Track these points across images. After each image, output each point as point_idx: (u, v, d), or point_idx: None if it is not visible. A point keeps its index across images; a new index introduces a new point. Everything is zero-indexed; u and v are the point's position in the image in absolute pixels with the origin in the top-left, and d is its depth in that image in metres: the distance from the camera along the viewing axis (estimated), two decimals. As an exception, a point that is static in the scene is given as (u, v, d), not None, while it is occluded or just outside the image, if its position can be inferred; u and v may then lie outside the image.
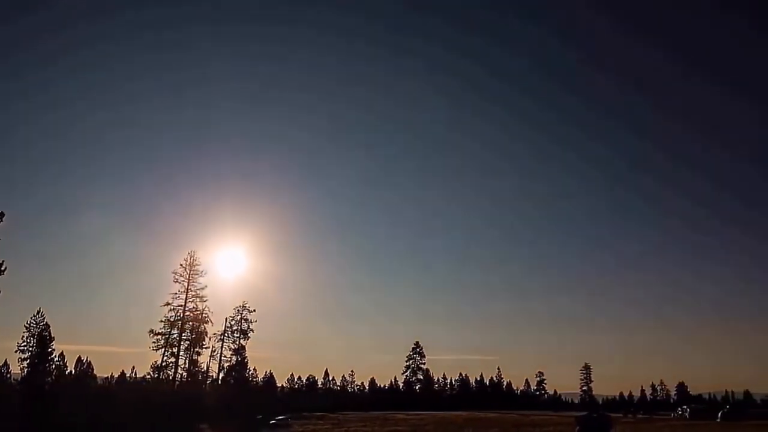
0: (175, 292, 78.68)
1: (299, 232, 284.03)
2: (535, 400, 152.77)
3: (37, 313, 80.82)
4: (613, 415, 66.91)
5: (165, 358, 76.91)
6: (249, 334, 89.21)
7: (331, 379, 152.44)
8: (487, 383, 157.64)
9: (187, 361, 79.72)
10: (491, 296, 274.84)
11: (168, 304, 78.19)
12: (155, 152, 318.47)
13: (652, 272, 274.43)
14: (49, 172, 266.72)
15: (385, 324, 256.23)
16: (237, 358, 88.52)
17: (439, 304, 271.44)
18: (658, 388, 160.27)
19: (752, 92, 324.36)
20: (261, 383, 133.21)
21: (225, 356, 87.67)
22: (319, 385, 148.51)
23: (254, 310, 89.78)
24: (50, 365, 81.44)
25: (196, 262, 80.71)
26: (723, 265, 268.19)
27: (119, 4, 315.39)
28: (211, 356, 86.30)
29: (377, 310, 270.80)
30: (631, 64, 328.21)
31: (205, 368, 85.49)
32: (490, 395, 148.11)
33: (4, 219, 46.50)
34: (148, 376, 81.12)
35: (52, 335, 79.70)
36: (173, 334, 77.59)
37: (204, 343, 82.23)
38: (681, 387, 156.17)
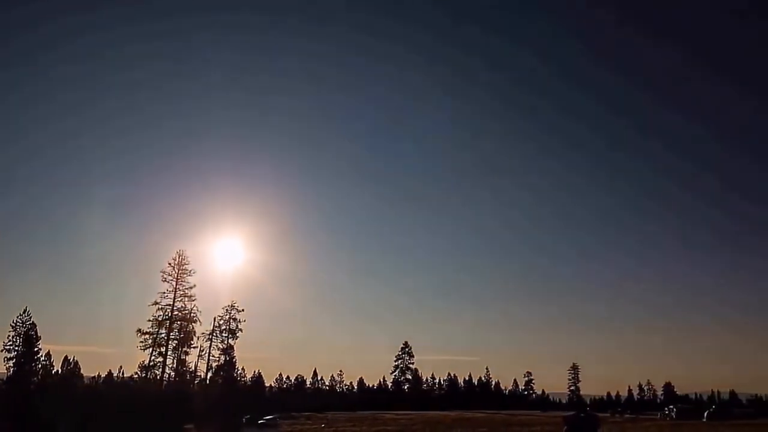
0: (163, 291, 78.23)
1: (289, 231, 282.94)
2: (523, 400, 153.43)
3: (24, 312, 79.98)
4: (600, 414, 67.26)
5: (153, 357, 76.40)
6: (237, 334, 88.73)
7: (319, 379, 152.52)
8: (476, 383, 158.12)
9: (175, 360, 79.17)
10: (480, 297, 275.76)
11: (156, 303, 77.70)
12: (145, 149, 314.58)
13: (639, 275, 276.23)
14: (35, 171, 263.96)
15: (374, 324, 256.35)
16: (225, 358, 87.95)
17: (429, 304, 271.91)
18: (645, 389, 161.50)
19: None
20: (249, 383, 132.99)
21: (213, 356, 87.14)
22: (308, 385, 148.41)
23: (243, 310, 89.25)
24: (36, 365, 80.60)
25: (185, 261, 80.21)
26: (709, 268, 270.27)
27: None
28: (199, 356, 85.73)
29: (366, 310, 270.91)
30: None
31: (193, 368, 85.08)
32: (478, 395, 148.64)
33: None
34: (136, 376, 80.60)
35: (39, 334, 79.00)
36: (161, 333, 77.03)
37: (192, 342, 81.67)
38: (668, 387, 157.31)
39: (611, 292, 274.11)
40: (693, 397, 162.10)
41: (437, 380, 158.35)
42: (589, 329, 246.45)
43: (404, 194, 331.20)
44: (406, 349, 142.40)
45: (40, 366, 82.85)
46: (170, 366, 78.58)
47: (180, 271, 79.34)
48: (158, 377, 76.95)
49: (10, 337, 78.73)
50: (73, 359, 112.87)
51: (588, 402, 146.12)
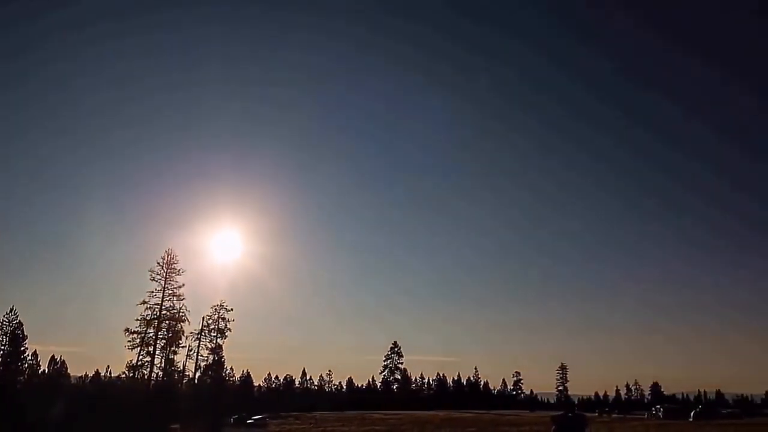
0: (151, 290, 77.87)
1: (284, 230, 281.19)
2: (512, 400, 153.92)
3: (10, 311, 79.46)
4: (588, 414, 67.51)
5: (140, 357, 76.03)
6: (226, 334, 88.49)
7: (308, 378, 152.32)
8: (465, 383, 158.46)
9: (163, 360, 78.88)
10: (469, 298, 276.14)
11: (144, 302, 77.32)
12: (142, 145, 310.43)
13: (628, 276, 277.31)
14: (20, 168, 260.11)
15: (363, 324, 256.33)
16: (214, 358, 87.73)
17: (418, 305, 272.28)
18: (633, 388, 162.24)
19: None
20: (238, 383, 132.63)
21: (202, 355, 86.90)
22: (297, 385, 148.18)
23: (232, 309, 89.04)
24: (23, 364, 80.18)
25: (174, 260, 79.92)
26: (696, 267, 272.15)
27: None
28: (187, 355, 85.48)
29: (355, 309, 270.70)
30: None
31: (181, 367, 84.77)
32: (467, 395, 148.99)
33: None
34: (123, 376, 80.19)
35: (25, 334, 78.51)
36: (149, 332, 76.71)
37: (180, 342, 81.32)
38: (655, 387, 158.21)
39: (600, 293, 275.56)
40: (680, 397, 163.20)
41: (426, 380, 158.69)
42: (578, 330, 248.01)
43: (402, 193, 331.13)
44: (396, 349, 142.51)
45: (26, 366, 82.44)
46: (158, 365, 78.23)
47: (169, 270, 79.00)
48: (146, 377, 76.61)
49: (-4, 337, 78.25)
50: (60, 359, 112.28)
51: (576, 402, 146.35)
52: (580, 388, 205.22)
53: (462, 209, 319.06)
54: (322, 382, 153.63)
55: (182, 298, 79.59)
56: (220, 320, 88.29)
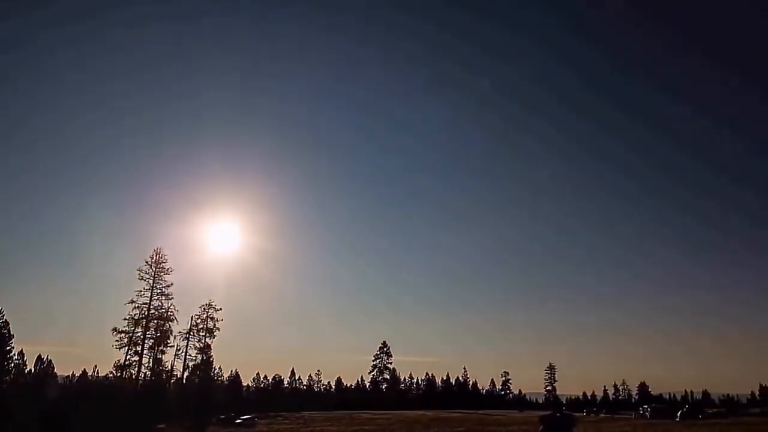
0: (140, 289, 77.60)
1: (269, 229, 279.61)
2: (500, 399, 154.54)
3: (-5, 310, 78.82)
4: (576, 414, 67.88)
5: (128, 356, 75.75)
6: (215, 333, 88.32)
7: (297, 378, 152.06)
8: (453, 383, 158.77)
9: (151, 359, 78.69)
10: (458, 298, 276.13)
11: (133, 301, 77.06)
12: (138, 137, 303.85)
13: (615, 276, 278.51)
14: (3, 166, 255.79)
15: (352, 324, 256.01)
16: (202, 357, 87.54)
17: (407, 305, 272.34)
18: (621, 388, 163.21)
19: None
20: (226, 382, 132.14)
21: (190, 355, 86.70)
22: (285, 385, 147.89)
23: (220, 309, 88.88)
24: (9, 364, 79.46)
25: (162, 259, 79.71)
26: (684, 269, 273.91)
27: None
28: (175, 355, 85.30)
29: (345, 309, 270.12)
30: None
31: (169, 367, 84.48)
32: (456, 395, 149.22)
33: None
34: (111, 375, 79.79)
35: (11, 333, 77.85)
36: (137, 332, 76.46)
37: (169, 341, 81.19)
38: (642, 387, 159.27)
39: (588, 293, 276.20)
40: (667, 397, 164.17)
41: (415, 380, 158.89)
42: (566, 330, 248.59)
43: (395, 193, 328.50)
44: (385, 349, 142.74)
45: (12, 365, 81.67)
46: (146, 365, 78.07)
47: (157, 269, 78.84)
48: (134, 376, 76.33)
49: (-18, 336, 77.57)
50: (47, 358, 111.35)
51: (564, 401, 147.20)
52: (568, 388, 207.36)
53: (454, 209, 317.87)
54: (311, 382, 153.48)
55: (171, 297, 79.48)
56: (208, 320, 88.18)
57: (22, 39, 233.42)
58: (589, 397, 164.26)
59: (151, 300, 77.69)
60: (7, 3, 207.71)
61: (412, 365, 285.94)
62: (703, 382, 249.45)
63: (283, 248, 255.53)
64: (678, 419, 71.44)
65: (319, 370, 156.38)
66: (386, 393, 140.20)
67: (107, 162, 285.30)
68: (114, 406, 63.37)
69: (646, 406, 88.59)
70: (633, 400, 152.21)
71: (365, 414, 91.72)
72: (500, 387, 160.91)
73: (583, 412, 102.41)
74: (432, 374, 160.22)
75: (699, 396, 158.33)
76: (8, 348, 77.35)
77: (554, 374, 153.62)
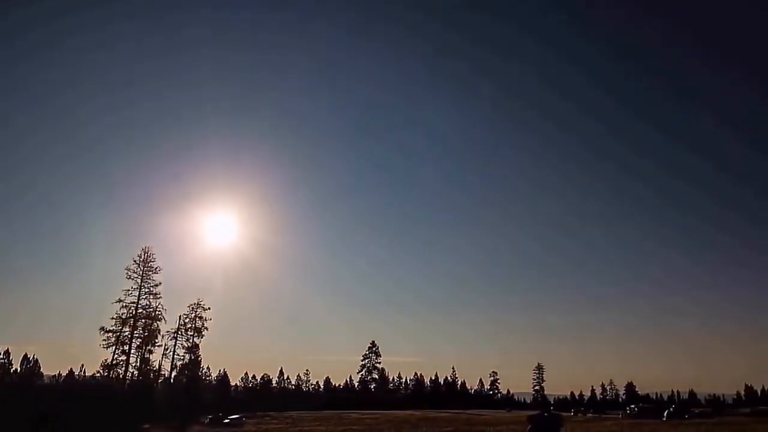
0: (127, 288, 77.14)
1: (261, 230, 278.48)
2: (488, 399, 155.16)
3: (-19, 309, 78.16)
4: (564, 414, 68.31)
5: (116, 356, 75.27)
6: (203, 333, 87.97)
7: (285, 378, 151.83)
8: (442, 383, 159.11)
9: (138, 359, 78.21)
10: (447, 299, 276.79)
11: (120, 300, 76.59)
12: (134, 131, 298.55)
13: (603, 277, 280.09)
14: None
15: (341, 324, 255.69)
16: (190, 357, 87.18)
17: (396, 304, 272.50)
18: (608, 388, 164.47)
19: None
20: (214, 382, 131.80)
21: (178, 354, 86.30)
22: (274, 385, 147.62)
23: (209, 308, 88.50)
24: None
25: (151, 258, 79.29)
26: (670, 271, 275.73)
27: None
28: (163, 354, 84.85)
29: (334, 310, 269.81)
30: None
31: (157, 367, 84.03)
32: (444, 395, 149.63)
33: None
34: (98, 375, 79.29)
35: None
36: (125, 331, 75.98)
37: (156, 341, 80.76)
38: (630, 387, 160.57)
39: (576, 294, 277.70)
40: (654, 396, 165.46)
41: (404, 380, 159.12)
42: (554, 330, 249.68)
43: (388, 195, 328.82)
44: (374, 349, 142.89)
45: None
46: (133, 365, 77.57)
47: (145, 268, 78.42)
48: (121, 376, 75.86)
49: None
50: (33, 357, 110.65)
51: (552, 401, 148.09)
52: (556, 388, 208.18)
53: (449, 209, 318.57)
54: (300, 382, 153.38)
55: (159, 296, 79.06)
56: (197, 319, 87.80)
57: (19, 31, 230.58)
58: (577, 397, 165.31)
59: (138, 299, 77.25)
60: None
61: (401, 365, 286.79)
62: (689, 382, 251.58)
63: (274, 250, 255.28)
64: (664, 419, 71.79)
65: (307, 370, 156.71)
66: (375, 393, 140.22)
67: (102, 157, 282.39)
68: (100, 406, 62.94)
69: (633, 406, 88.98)
70: (620, 399, 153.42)
71: (354, 414, 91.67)
72: (489, 387, 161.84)
73: (571, 412, 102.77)
74: (420, 374, 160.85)
75: (685, 396, 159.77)
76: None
77: (542, 374, 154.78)
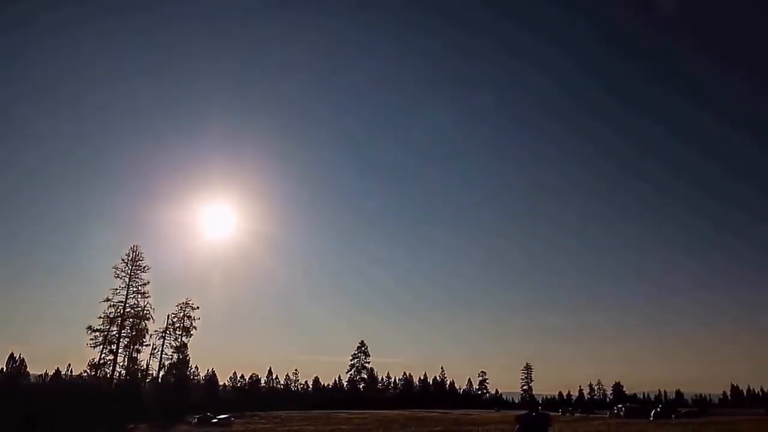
0: (115, 287, 76.77)
1: (254, 227, 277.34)
2: (477, 399, 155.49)
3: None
4: (552, 413, 68.52)
5: (103, 355, 74.89)
6: (191, 332, 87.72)
7: (274, 378, 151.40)
8: (431, 383, 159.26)
9: (126, 358, 77.86)
10: (435, 299, 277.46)
11: (108, 300, 76.24)
12: (130, 126, 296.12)
13: (593, 276, 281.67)
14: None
15: (330, 324, 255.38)
16: (178, 356, 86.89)
17: (385, 305, 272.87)
18: (596, 388, 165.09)
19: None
20: (203, 382, 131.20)
21: (166, 354, 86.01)
22: (262, 384, 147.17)
23: (198, 308, 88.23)
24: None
25: (139, 257, 78.95)
26: (658, 270, 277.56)
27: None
28: (151, 354, 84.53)
29: (323, 309, 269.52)
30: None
31: (144, 366, 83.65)
32: (433, 395, 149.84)
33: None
34: (85, 374, 78.84)
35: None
36: (112, 331, 75.64)
37: (144, 340, 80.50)
38: (617, 387, 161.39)
39: (564, 294, 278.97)
40: (641, 396, 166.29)
41: (392, 380, 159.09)
42: (542, 330, 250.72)
43: (382, 195, 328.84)
44: (363, 348, 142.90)
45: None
46: (121, 364, 77.26)
47: (134, 267, 78.13)
48: (108, 375, 75.50)
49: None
50: (20, 357, 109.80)
51: (540, 401, 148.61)
52: (544, 387, 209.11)
53: (432, 210, 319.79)
54: (288, 382, 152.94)
55: (147, 295, 78.86)
56: (185, 318, 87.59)
57: (14, 23, 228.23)
58: (565, 397, 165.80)
59: (126, 298, 77.00)
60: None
61: (390, 365, 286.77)
62: (676, 382, 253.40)
63: (264, 250, 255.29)
64: (652, 418, 72.21)
65: (296, 370, 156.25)
66: (364, 393, 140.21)
67: (98, 154, 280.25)
68: (87, 406, 62.59)
69: (620, 406, 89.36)
70: (608, 399, 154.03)
71: (342, 413, 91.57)
72: (477, 387, 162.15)
73: (559, 412, 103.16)
74: (409, 374, 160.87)
75: (672, 396, 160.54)
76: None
77: (531, 374, 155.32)
